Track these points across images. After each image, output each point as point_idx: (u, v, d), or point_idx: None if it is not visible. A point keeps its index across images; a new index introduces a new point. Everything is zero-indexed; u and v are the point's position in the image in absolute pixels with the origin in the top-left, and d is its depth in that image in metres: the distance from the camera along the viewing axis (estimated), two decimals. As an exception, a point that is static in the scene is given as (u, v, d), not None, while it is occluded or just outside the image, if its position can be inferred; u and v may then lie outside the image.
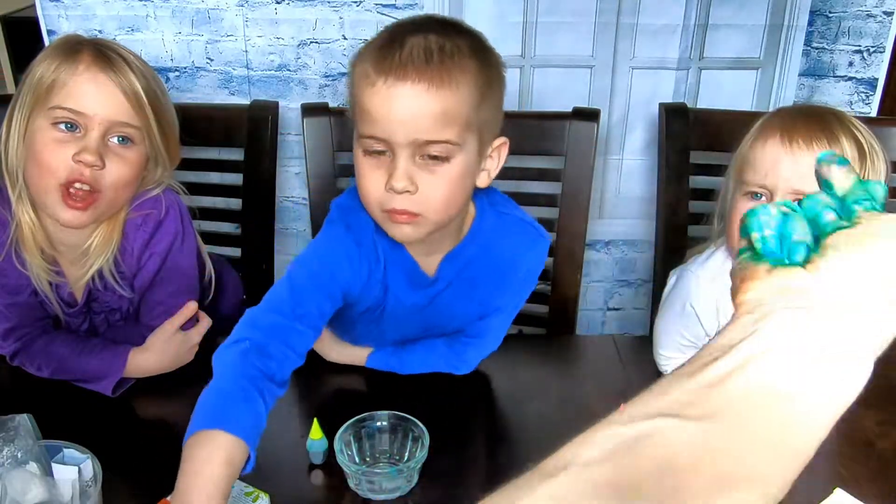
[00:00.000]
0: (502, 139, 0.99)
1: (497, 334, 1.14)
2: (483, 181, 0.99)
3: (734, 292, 0.43)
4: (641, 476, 0.35)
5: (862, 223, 0.43)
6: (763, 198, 1.03)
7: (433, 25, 0.93)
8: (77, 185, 1.02)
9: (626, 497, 0.35)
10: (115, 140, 1.04)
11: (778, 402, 0.37)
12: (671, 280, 1.19)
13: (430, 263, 1.06)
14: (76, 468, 0.82)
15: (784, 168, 1.00)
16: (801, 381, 0.37)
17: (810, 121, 1.01)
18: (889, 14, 1.66)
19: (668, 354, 1.17)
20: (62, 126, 1.02)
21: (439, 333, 1.14)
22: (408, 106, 0.88)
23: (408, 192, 0.90)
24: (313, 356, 1.14)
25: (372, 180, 0.92)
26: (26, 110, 1.03)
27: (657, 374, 1.17)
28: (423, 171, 0.91)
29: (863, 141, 1.01)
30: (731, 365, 0.38)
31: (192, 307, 1.15)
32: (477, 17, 1.60)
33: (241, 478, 0.88)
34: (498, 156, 1.00)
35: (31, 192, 1.06)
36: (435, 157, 0.91)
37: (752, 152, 1.04)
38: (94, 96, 1.02)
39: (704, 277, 1.11)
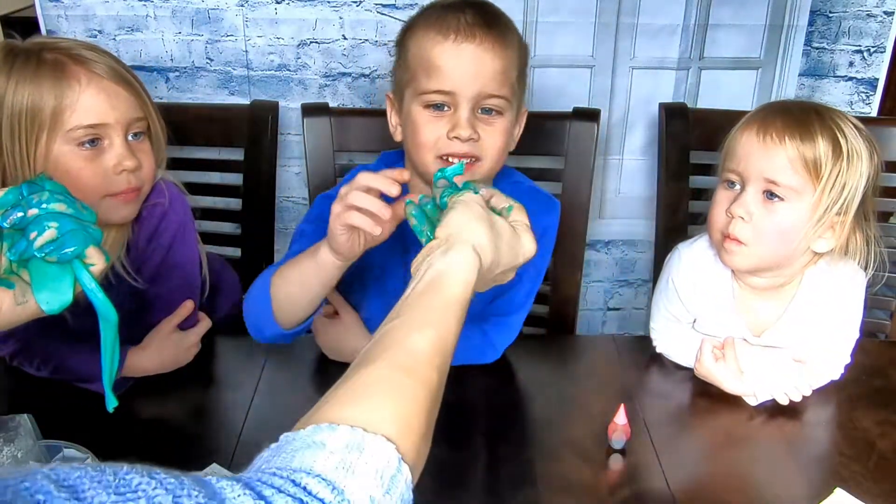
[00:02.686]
0: (524, 108, 1.13)
1: (521, 307, 1.16)
2: (511, 145, 1.11)
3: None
4: (377, 349, 0.64)
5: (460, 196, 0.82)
6: (737, 186, 1.07)
7: (476, 3, 1.05)
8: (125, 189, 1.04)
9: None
10: (131, 138, 1.06)
11: (435, 286, 0.71)
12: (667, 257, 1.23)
13: None
14: (76, 468, 0.82)
15: (756, 159, 1.04)
16: (442, 273, 0.72)
17: (789, 117, 1.04)
18: (889, 14, 1.66)
19: (657, 327, 1.20)
20: (86, 144, 1.01)
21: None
22: (476, 60, 1.01)
23: (471, 139, 1.03)
24: (318, 355, 1.15)
25: (433, 129, 1.04)
26: (28, 138, 0.99)
27: (657, 373, 1.18)
28: (481, 122, 1.04)
29: (842, 141, 1.01)
30: (412, 284, 0.72)
31: (188, 306, 1.15)
32: (477, 17, 1.60)
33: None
34: (520, 124, 1.13)
35: None
36: (490, 111, 1.04)
37: (732, 142, 1.09)
38: (107, 103, 1.02)
39: (687, 256, 1.16)
